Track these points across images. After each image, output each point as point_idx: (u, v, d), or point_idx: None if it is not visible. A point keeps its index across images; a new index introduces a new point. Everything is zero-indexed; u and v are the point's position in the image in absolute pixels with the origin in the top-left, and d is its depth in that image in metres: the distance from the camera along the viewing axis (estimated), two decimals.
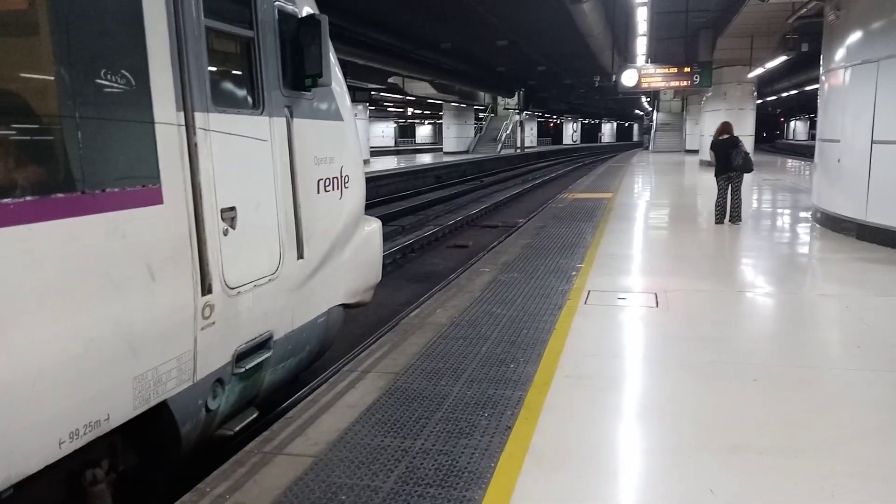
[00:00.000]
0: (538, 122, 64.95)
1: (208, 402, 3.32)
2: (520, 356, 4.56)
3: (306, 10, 4.03)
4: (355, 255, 4.79)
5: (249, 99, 3.56)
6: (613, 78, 19.39)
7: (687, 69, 17.11)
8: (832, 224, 9.54)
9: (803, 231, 10.14)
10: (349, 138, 4.67)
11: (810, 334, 5.28)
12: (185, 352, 3.03)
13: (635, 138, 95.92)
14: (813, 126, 77.53)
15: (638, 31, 16.53)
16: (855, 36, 8.80)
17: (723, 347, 4.79)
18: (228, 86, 3.51)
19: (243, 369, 3.50)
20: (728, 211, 10.51)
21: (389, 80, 30.65)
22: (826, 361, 4.51)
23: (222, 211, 3.23)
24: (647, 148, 51.36)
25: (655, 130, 47.35)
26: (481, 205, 18.66)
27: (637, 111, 73.98)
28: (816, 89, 31.86)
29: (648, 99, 46.25)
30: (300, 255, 3.97)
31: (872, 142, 8.34)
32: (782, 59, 18.07)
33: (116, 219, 2.59)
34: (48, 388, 2.33)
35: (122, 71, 2.62)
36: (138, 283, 2.72)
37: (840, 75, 9.25)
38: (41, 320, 2.31)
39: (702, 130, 27.92)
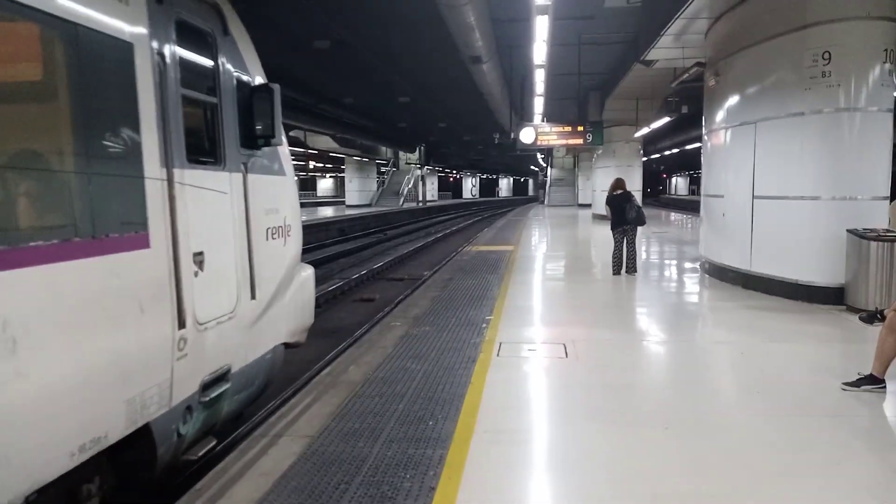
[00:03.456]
0: (439, 176, 66.22)
1: (180, 428, 3.61)
2: (438, 412, 4.47)
3: (258, 80, 4.56)
4: (294, 297, 5.14)
5: (213, 156, 4.00)
6: (512, 135, 20.10)
7: (580, 128, 17.97)
8: (720, 274, 10.15)
9: (694, 281, 10.72)
10: (291, 191, 5.16)
11: (712, 381, 5.51)
12: (164, 379, 3.37)
13: (531, 193, 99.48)
14: (693, 182, 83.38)
15: (535, 91, 17.29)
16: (733, 99, 9.58)
17: (633, 395, 4.90)
18: (197, 144, 3.85)
19: (208, 398, 3.84)
20: (624, 262, 10.97)
21: (291, 133, 30.40)
22: (730, 407, 4.71)
23: (194, 255, 3.62)
24: (542, 202, 53.28)
25: (550, 185, 49.32)
26: (386, 257, 18.59)
27: (532, 167, 76.93)
28: (696, 148, 34.13)
29: (543, 155, 48.28)
30: (253, 296, 4.35)
31: (753, 197, 9.01)
32: (665, 119, 19.42)
33: (114, 261, 2.98)
34: (63, 406, 2.69)
35: (121, 133, 3.09)
36: (130, 318, 3.09)
37: (721, 135, 10.00)
38: (57, 347, 2.65)
39: (594, 185, 29.35)
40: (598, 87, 22.76)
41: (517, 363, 5.78)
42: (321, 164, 58.89)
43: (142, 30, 3.28)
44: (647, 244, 16.56)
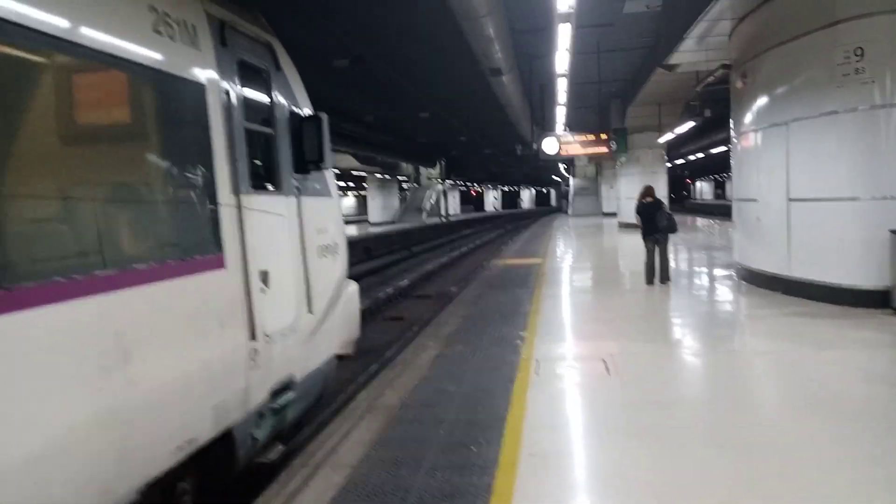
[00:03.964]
0: (460, 190, 66.23)
1: (255, 433, 3.92)
2: (480, 437, 4.33)
3: (306, 110, 4.97)
4: (343, 311, 5.46)
5: (272, 182, 4.36)
6: (534, 146, 20.00)
7: (604, 136, 17.82)
8: (756, 280, 9.89)
9: (730, 288, 10.45)
10: (336, 211, 5.58)
11: (762, 393, 5.31)
12: (241, 388, 3.69)
13: (553, 203, 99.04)
14: (718, 186, 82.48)
15: (557, 101, 17.18)
16: (763, 100, 9.37)
17: (680, 412, 4.72)
18: (258, 172, 4.22)
19: (276, 405, 4.16)
20: (657, 271, 10.76)
21: None
22: (784, 421, 4.51)
23: (260, 273, 3.95)
24: (566, 212, 52.93)
25: (573, 195, 48.98)
26: (412, 274, 18.52)
27: (554, 177, 76.67)
28: (721, 151, 33.73)
29: (565, 165, 48.01)
30: (310, 310, 4.68)
31: (789, 199, 8.76)
32: (689, 124, 19.17)
33: (199, 280, 3.34)
34: (165, 409, 3.01)
35: (200, 165, 3.45)
36: (213, 331, 3.44)
37: (751, 137, 9.78)
38: (159, 357, 2.98)
39: (618, 194, 29.06)
40: (619, 94, 22.59)
41: (557, 381, 5.63)
42: (343, 183, 59.28)
43: (211, 72, 3.65)
44: (677, 251, 16.27)
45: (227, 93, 3.78)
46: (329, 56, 15.10)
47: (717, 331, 7.52)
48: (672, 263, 13.53)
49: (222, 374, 3.51)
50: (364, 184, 47.03)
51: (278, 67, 4.61)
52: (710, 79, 12.38)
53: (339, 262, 5.42)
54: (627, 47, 16.31)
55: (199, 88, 3.50)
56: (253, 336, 3.80)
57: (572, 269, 14.65)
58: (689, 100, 19.42)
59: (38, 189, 2.53)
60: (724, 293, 10.27)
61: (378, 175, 43.93)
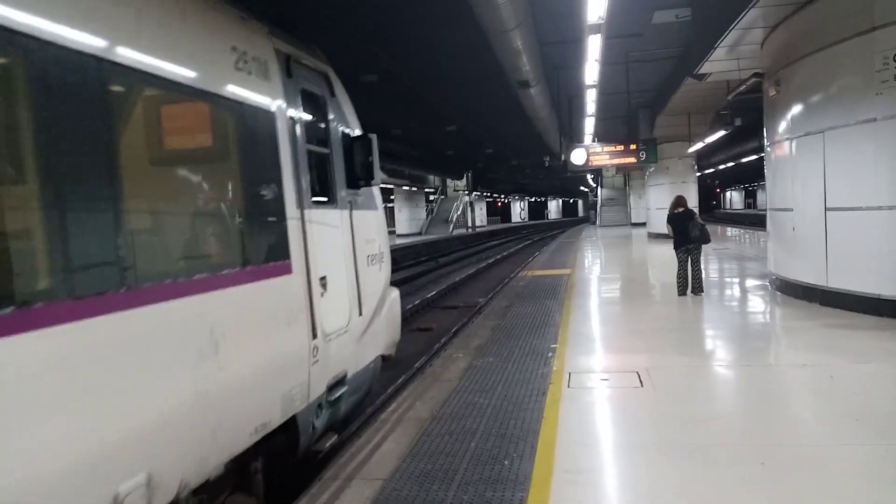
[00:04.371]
0: (487, 201, 66.16)
1: (314, 421, 4.34)
2: (512, 451, 4.26)
3: (356, 131, 5.45)
4: (387, 315, 5.87)
5: (328, 197, 4.77)
6: (562, 157, 19.88)
7: (633, 146, 17.63)
8: (793, 291, 9.67)
9: (765, 299, 10.23)
10: (382, 223, 6.01)
11: (804, 408, 5.15)
12: (304, 380, 4.09)
13: (580, 214, 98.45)
14: (748, 195, 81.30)
15: (585, 111, 17.08)
16: (797, 109, 9.19)
17: (720, 428, 4.60)
18: (317, 188, 4.62)
19: (332, 398, 4.57)
20: (690, 282, 10.58)
21: None
22: (829, 438, 4.34)
23: (320, 279, 4.37)
24: (593, 223, 52.56)
25: (601, 206, 48.64)
26: (440, 285, 18.48)
27: (581, 188, 76.24)
28: (751, 160, 33.12)
29: (592, 175, 47.72)
30: (360, 313, 5.09)
31: (826, 209, 8.57)
32: (721, 133, 18.92)
33: (272, 283, 3.78)
34: (245, 395, 3.43)
35: (273, 183, 3.91)
36: (283, 328, 3.88)
37: (786, 146, 9.60)
38: (242, 348, 3.41)
39: (647, 204, 28.78)
40: (648, 104, 22.40)
41: (590, 395, 5.54)
42: None
43: (280, 101, 4.09)
44: (710, 262, 16.02)
45: (293, 118, 4.24)
46: (358, 71, 15.21)
47: (753, 343, 7.34)
48: (710, 273, 13.31)
49: (290, 366, 3.92)
50: (391, 196, 47.24)
51: (333, 94, 5.10)
52: (742, 88, 12.19)
53: (384, 270, 5.90)
54: (656, 57, 16.17)
55: (270, 116, 3.95)
56: (314, 334, 4.21)
57: (602, 280, 14.49)
58: (718, 109, 19.19)
59: (153, 206, 3.02)
60: (759, 304, 10.06)
61: (405, 187, 44.08)
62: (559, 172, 37.09)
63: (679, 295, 10.53)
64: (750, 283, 12.17)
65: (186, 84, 3.20)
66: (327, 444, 4.67)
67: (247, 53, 3.76)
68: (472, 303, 15.15)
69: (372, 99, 18.85)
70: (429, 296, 15.98)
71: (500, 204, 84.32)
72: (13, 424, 2.16)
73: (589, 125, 19.29)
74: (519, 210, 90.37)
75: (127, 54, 2.79)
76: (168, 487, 2.82)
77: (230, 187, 3.62)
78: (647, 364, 6.30)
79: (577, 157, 17.73)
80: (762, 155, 12.49)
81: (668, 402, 5.23)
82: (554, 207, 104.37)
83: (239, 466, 3.59)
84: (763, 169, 11.66)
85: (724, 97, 14.96)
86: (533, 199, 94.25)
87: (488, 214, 67.09)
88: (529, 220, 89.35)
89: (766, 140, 10.70)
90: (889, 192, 7.77)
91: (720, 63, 12.02)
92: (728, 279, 13.39)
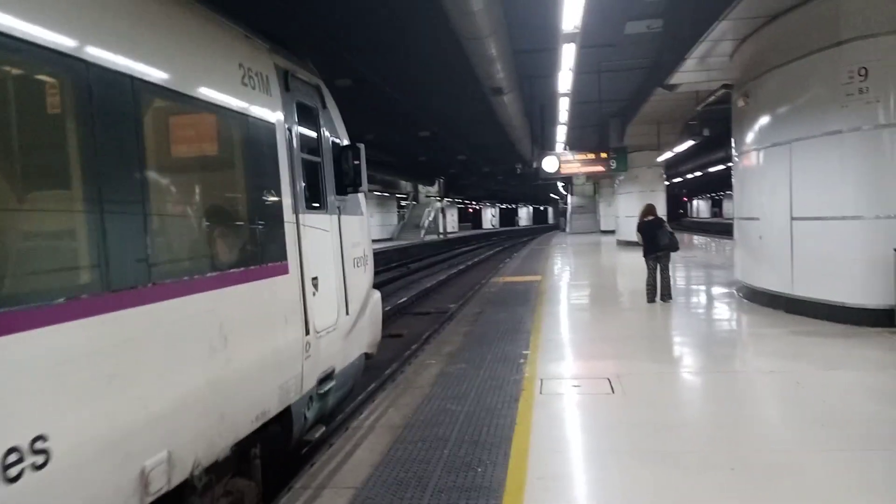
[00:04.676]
0: (458, 207, 66.25)
1: (306, 412, 4.59)
2: (486, 458, 4.25)
3: (345, 140, 5.76)
4: (370, 315, 6.15)
5: (319, 202, 5.04)
6: (534, 164, 20.00)
7: (604, 155, 17.82)
8: (759, 298, 9.83)
9: (732, 306, 10.39)
10: (366, 228, 6.31)
11: (772, 414, 5.22)
12: (298, 373, 4.34)
13: (550, 221, 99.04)
14: (715, 204, 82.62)
15: (558, 119, 17.21)
16: (765, 120, 9.38)
17: (690, 434, 4.64)
18: (309, 194, 4.85)
19: (322, 391, 4.84)
20: (659, 289, 10.69)
21: None
22: (797, 443, 4.41)
23: (312, 279, 4.62)
24: (563, 230, 52.93)
25: (571, 213, 48.99)
26: (410, 291, 18.43)
27: (552, 195, 76.71)
28: (718, 170, 33.62)
29: (563, 183, 48.04)
30: (347, 312, 5.36)
31: (792, 218, 8.74)
32: (688, 143, 19.21)
33: (271, 282, 4.04)
34: (248, 385, 3.69)
35: (272, 189, 4.20)
36: (280, 324, 4.14)
37: (754, 157, 9.78)
38: (246, 342, 3.68)
39: (617, 212, 29.06)
40: (619, 113, 22.62)
41: (562, 401, 5.55)
42: None
43: (279, 114, 4.37)
44: (678, 269, 16.22)
45: (290, 129, 4.52)
46: (332, 76, 15.13)
47: (721, 350, 7.44)
48: (678, 280, 13.48)
49: (286, 360, 4.18)
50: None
51: (324, 105, 5.42)
52: (711, 98, 12.40)
53: (368, 272, 6.20)
54: (628, 67, 16.36)
55: (271, 127, 4.23)
56: (307, 331, 4.47)
57: (572, 287, 14.58)
58: (688, 119, 19.48)
59: (177, 210, 3.32)
60: (727, 311, 10.21)
61: (377, 192, 43.95)
62: (531, 180, 37.35)
63: (648, 302, 10.64)
64: (717, 290, 12.35)
65: (203, 99, 3.50)
66: (316, 435, 4.90)
67: (251, 69, 4.05)
68: (443, 308, 15.10)
69: (346, 103, 18.77)
70: (400, 301, 15.91)
71: (471, 210, 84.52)
72: (73, 399, 2.43)
73: (561, 133, 19.45)
74: (490, 217, 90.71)
75: (156, 74, 3.08)
76: (184, 465, 3.08)
77: (238, 194, 3.95)
78: (617, 370, 6.34)
79: (549, 164, 17.87)
80: (729, 165, 12.72)
81: (639, 408, 5.26)
82: (525, 214, 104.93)
83: (241, 451, 3.78)
84: (730, 179, 11.85)
85: (693, 108, 15.22)
86: (504, 206, 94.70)
87: (460, 221, 67.25)
88: (500, 226, 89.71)
89: (734, 150, 10.89)
90: (854, 203, 7.95)
91: (690, 74, 12.21)
92: (696, 286, 13.57)
